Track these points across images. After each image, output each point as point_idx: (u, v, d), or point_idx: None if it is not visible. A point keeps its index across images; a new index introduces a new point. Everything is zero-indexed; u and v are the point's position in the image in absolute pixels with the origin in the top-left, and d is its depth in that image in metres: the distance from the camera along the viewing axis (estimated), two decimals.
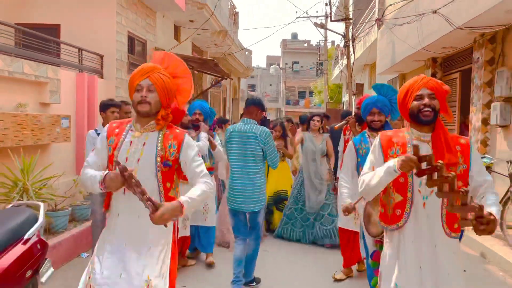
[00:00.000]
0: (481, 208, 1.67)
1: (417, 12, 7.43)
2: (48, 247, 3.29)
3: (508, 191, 4.94)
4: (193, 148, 2.26)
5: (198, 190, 2.15)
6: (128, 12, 7.77)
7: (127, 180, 1.91)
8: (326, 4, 13.04)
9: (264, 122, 5.48)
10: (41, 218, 3.09)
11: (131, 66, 7.96)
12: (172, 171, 2.22)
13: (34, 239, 2.96)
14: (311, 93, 41.39)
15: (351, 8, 13.83)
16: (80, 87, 6.24)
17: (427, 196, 2.02)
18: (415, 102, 2.04)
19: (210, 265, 4.57)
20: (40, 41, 5.99)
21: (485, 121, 6.33)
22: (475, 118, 6.58)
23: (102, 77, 7.13)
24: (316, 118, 5.46)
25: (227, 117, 18.62)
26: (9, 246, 2.72)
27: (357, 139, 3.38)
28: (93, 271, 2.14)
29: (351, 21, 11.46)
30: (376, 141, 2.20)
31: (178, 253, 4.11)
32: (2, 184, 4.38)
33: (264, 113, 4.16)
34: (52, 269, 3.94)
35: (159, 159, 2.15)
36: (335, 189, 5.05)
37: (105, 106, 4.22)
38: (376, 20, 9.98)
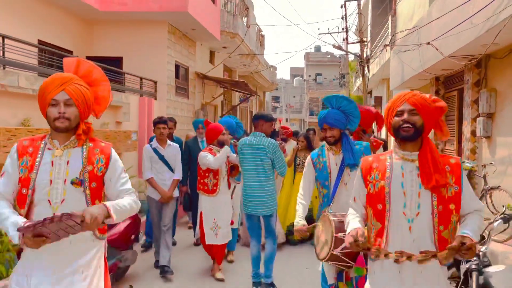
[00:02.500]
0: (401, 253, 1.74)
1: (419, 40, 8.75)
2: (140, 221, 4.83)
3: (483, 189, 6.18)
4: (120, 163, 2.13)
5: (126, 200, 2.04)
6: (175, 45, 9.44)
7: (41, 233, 1.72)
8: (343, 29, 14.54)
9: (273, 133, 5.88)
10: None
11: (177, 89, 9.61)
12: (101, 187, 2.05)
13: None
14: None
15: (369, 29, 15.19)
16: (142, 108, 7.88)
17: (412, 218, 1.89)
18: (395, 118, 1.96)
19: (230, 262, 5.24)
20: (109, 72, 7.67)
21: (474, 133, 7.55)
22: (466, 130, 7.81)
23: (155, 99, 8.78)
24: (310, 132, 6.51)
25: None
26: None
27: (314, 154, 3.27)
28: None
29: (365, 43, 12.83)
30: (359, 166, 2.16)
31: (217, 257, 4.73)
32: None
33: (273, 123, 4.46)
34: (144, 237, 5.50)
35: (86, 175, 1.98)
36: None
37: (154, 123, 4.93)
38: (385, 45, 11.31)
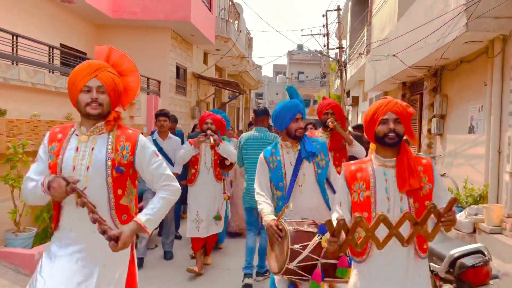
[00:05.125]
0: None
1: (388, 51, 10.21)
2: None
3: None
4: (149, 148, 2.08)
5: (158, 202, 2.02)
6: (176, 49, 10.64)
7: (77, 193, 1.80)
8: (324, 36, 15.99)
9: (269, 128, 6.69)
10: None
11: (177, 88, 10.82)
12: (125, 177, 2.01)
13: None
14: (315, 102, 44.17)
15: (348, 36, 16.65)
16: (150, 105, 9.07)
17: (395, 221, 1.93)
18: (380, 126, 2.04)
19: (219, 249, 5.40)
20: None
21: (430, 131, 9.07)
22: (424, 128, 9.34)
23: (159, 97, 9.96)
24: (309, 126, 6.58)
25: (240, 123, 21.58)
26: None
27: (268, 151, 2.98)
28: None
29: (343, 49, 14.29)
30: (341, 173, 2.17)
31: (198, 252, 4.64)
32: None
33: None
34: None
35: (110, 163, 1.96)
36: None
37: (156, 116, 5.19)
38: (359, 54, 12.78)
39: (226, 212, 5.37)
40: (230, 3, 14.21)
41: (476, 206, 6.10)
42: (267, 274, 4.34)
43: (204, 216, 4.54)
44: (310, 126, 6.83)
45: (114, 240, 1.80)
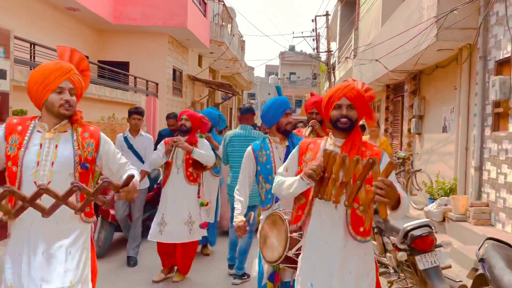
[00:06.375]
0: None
1: (373, 55, 10.91)
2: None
3: (409, 171, 8.36)
4: (110, 142, 2.21)
5: (133, 172, 2.15)
6: (173, 52, 11.24)
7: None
8: (314, 40, 16.72)
9: (254, 126, 6.27)
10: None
11: (173, 90, 11.42)
12: (88, 173, 2.13)
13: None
14: None
15: (337, 39, 17.34)
16: (149, 105, 9.66)
17: None
18: (334, 111, 2.08)
19: (205, 255, 5.24)
20: (115, 74, 9.40)
21: (409, 130, 9.78)
22: (404, 128, 10.05)
23: (157, 98, 10.56)
24: (299, 124, 6.85)
25: (233, 123, 22.25)
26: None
27: (257, 145, 3.03)
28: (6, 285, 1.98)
29: (332, 53, 14.99)
30: (297, 146, 2.25)
31: (161, 257, 4.34)
32: None
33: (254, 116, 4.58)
34: None
35: (77, 159, 2.06)
36: None
37: (129, 113, 4.91)
38: (346, 58, 13.49)
39: (215, 215, 5.36)
40: (224, 8, 14.84)
41: (446, 198, 6.81)
42: (245, 277, 4.33)
43: (168, 219, 4.16)
44: (300, 124, 6.48)
45: (124, 185, 1.86)
